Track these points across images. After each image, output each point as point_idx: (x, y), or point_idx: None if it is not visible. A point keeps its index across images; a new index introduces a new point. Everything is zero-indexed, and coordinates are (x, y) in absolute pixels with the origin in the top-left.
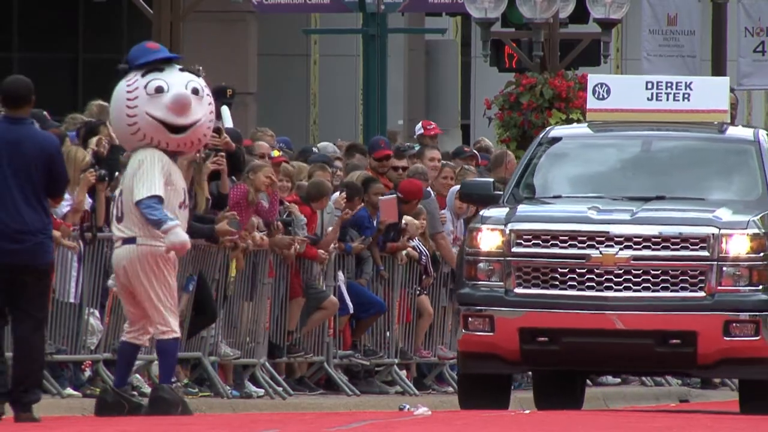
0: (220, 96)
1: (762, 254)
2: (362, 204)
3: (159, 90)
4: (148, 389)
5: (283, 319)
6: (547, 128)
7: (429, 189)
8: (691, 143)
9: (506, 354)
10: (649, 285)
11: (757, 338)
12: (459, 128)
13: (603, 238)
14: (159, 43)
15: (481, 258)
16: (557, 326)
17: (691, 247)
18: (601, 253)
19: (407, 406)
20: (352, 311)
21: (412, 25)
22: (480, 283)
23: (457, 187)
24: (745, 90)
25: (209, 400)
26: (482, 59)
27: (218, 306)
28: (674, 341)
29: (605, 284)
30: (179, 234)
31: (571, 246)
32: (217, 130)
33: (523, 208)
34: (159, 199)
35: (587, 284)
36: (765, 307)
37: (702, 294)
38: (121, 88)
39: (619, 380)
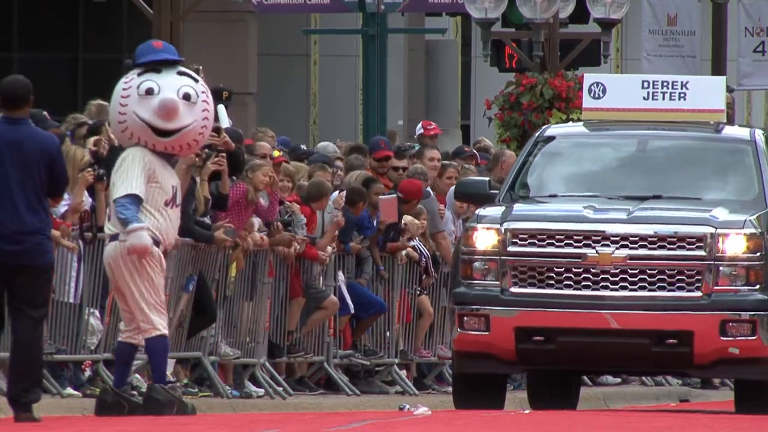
0: (215, 98)
1: (758, 254)
2: (364, 207)
3: (149, 92)
4: None
5: (283, 319)
6: (543, 127)
7: (429, 189)
8: (687, 143)
9: (502, 353)
10: (646, 284)
11: (754, 338)
12: (459, 128)
13: (599, 238)
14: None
15: (477, 257)
16: (553, 326)
17: (687, 246)
18: (597, 252)
19: (407, 406)
20: (353, 311)
21: (412, 25)
22: (475, 282)
23: None
24: (745, 90)
25: (209, 400)
26: (482, 59)
27: (218, 306)
28: (671, 341)
29: (601, 284)
30: (141, 237)
31: (567, 245)
32: (217, 130)
33: (518, 208)
34: (134, 198)
35: (583, 284)
36: (761, 307)
37: (698, 294)
38: (119, 86)
39: (619, 380)
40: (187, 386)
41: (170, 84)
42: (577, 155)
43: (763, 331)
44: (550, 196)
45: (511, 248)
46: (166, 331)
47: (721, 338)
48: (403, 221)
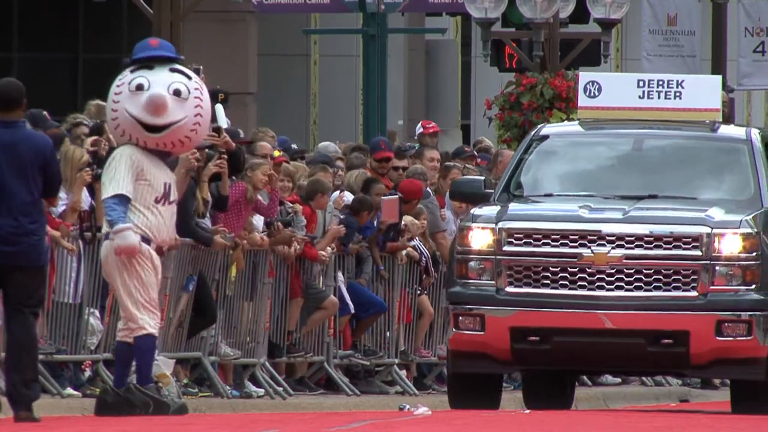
0: (212, 99)
1: (754, 254)
2: (369, 216)
3: (139, 88)
4: None
5: (283, 319)
6: (538, 126)
7: (428, 189)
8: (683, 142)
9: (497, 353)
10: (641, 284)
11: (750, 338)
12: (459, 128)
13: (595, 237)
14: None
15: (472, 257)
16: (548, 326)
17: (683, 246)
18: (592, 252)
19: (407, 406)
20: (353, 311)
21: (412, 25)
22: (471, 281)
23: None
24: (745, 90)
25: (209, 400)
26: (482, 59)
27: (218, 306)
28: (666, 341)
29: (597, 283)
30: (127, 237)
31: (562, 245)
32: (217, 130)
33: (514, 207)
34: (121, 198)
35: (579, 283)
36: (758, 307)
37: (694, 294)
38: (114, 84)
39: (619, 380)
40: (187, 386)
41: (161, 80)
42: (572, 154)
43: (759, 331)
44: (546, 195)
45: (506, 248)
46: (153, 331)
47: (717, 338)
48: (403, 221)
